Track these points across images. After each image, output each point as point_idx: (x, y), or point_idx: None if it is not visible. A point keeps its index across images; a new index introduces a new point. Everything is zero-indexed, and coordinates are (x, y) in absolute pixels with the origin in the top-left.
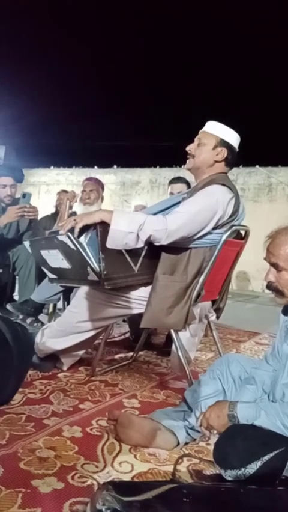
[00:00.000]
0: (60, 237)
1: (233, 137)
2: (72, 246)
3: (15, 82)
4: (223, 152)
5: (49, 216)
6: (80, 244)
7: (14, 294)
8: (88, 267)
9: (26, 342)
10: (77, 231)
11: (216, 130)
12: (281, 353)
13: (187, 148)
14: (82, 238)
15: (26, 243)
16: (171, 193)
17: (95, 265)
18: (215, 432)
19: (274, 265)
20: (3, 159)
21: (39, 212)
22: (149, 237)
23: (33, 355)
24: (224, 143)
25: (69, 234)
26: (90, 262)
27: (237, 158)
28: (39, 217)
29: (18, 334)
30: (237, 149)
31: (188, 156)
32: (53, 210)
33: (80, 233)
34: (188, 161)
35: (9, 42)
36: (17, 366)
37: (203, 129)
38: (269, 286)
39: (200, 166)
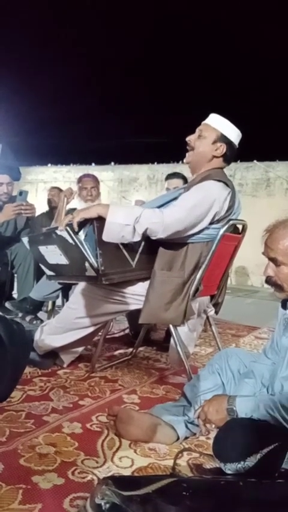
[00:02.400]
0: (59, 232)
1: (233, 133)
2: (71, 241)
3: (12, 80)
4: (222, 148)
5: (44, 214)
6: (78, 239)
7: (13, 292)
8: (86, 262)
9: (22, 340)
10: (75, 224)
11: (218, 124)
12: (280, 346)
13: (187, 139)
14: (80, 234)
15: (25, 239)
16: (168, 189)
17: (93, 260)
18: (213, 426)
19: (273, 259)
20: (0, 157)
21: (36, 209)
22: (145, 229)
23: (31, 353)
24: (223, 139)
25: (68, 228)
26: (88, 257)
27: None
28: (35, 215)
29: (14, 333)
30: (237, 146)
31: (187, 147)
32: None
33: (79, 228)
34: (187, 154)
35: (7, 41)
36: (12, 366)
37: (205, 121)
38: (268, 280)
39: (198, 160)
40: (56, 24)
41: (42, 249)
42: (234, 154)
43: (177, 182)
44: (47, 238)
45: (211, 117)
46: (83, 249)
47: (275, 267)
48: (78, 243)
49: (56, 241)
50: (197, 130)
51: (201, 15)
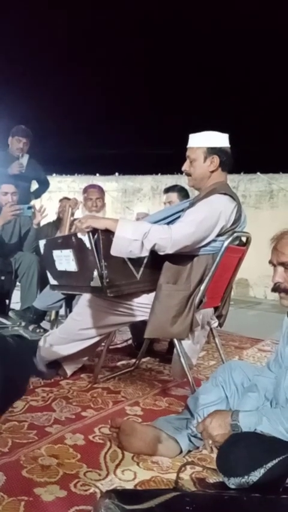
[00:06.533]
0: (79, 235)
1: (219, 139)
2: (88, 245)
3: (16, 91)
4: (215, 160)
5: (51, 223)
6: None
7: (16, 302)
8: (95, 271)
9: (19, 356)
10: (84, 227)
11: (198, 141)
12: (284, 356)
13: (183, 169)
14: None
15: (41, 242)
16: (166, 203)
17: (99, 272)
18: (210, 442)
19: (283, 264)
20: (26, 168)
21: (44, 216)
22: (153, 245)
23: (34, 362)
24: (212, 151)
25: (90, 232)
26: (99, 266)
27: (238, 165)
28: (41, 224)
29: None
30: (229, 146)
31: (185, 175)
32: (55, 217)
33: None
34: (188, 179)
35: (9, 50)
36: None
37: (188, 145)
38: (277, 287)
39: (199, 181)
40: (58, 32)
41: (56, 253)
42: (231, 156)
43: (176, 195)
44: (65, 242)
45: (190, 138)
46: (96, 256)
47: (284, 272)
48: (94, 249)
49: (73, 245)
50: (186, 156)
51: (204, 22)
